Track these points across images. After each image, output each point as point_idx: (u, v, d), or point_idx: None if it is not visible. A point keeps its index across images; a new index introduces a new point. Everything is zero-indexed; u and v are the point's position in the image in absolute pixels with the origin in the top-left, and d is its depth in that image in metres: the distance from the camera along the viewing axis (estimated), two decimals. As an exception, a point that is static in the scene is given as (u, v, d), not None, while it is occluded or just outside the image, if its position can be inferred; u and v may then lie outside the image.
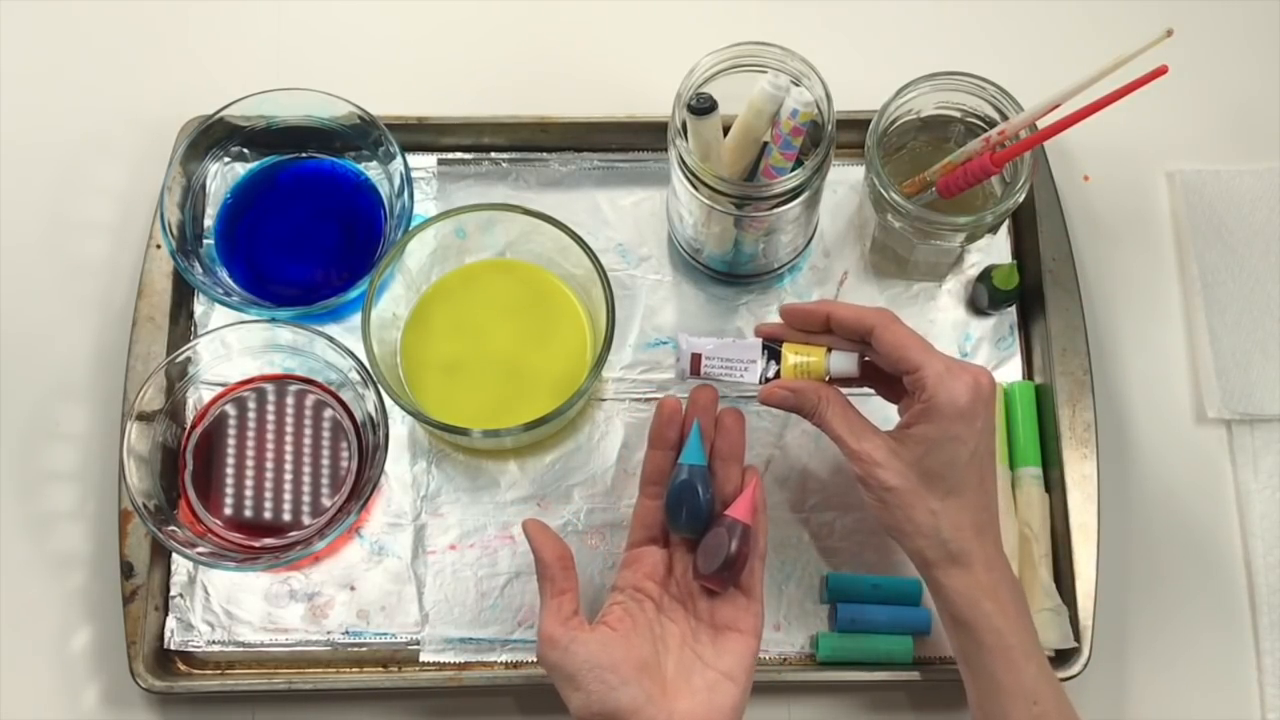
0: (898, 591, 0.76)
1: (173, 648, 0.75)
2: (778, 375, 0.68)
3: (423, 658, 0.75)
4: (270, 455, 0.76)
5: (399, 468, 0.78)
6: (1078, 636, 0.74)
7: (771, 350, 0.69)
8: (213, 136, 0.79)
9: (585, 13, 0.88)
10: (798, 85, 0.70)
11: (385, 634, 0.75)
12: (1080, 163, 0.85)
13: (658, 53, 0.83)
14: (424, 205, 0.82)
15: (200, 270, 0.76)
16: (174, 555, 0.75)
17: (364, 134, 0.79)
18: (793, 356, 0.68)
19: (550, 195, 0.82)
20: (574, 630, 0.65)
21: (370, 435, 0.74)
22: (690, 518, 0.68)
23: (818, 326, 0.68)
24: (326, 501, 0.76)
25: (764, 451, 0.78)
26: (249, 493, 0.76)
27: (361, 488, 0.74)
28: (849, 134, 0.77)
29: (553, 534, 0.68)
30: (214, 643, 0.75)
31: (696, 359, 0.69)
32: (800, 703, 0.76)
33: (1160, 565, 0.78)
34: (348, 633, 0.75)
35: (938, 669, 0.74)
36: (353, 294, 0.75)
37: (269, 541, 0.75)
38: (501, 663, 0.75)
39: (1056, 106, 0.70)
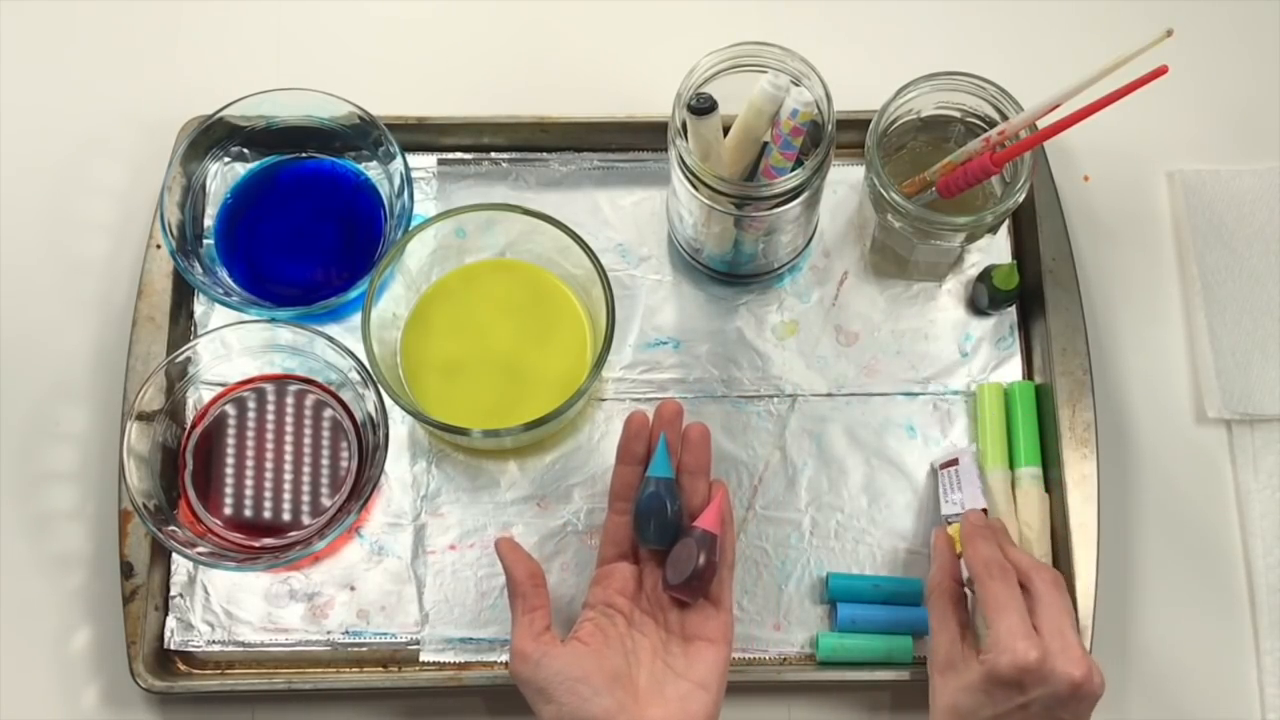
0: (898, 591, 0.76)
1: (173, 648, 0.75)
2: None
3: (423, 658, 0.75)
4: (270, 455, 0.76)
5: (399, 468, 0.78)
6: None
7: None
8: (213, 136, 0.79)
9: (585, 13, 0.88)
10: (798, 85, 0.70)
11: (385, 634, 0.75)
12: (1080, 163, 0.85)
13: (658, 53, 0.83)
14: (424, 205, 0.82)
15: (200, 270, 0.76)
16: (174, 555, 0.75)
17: (364, 134, 0.79)
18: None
19: (550, 195, 0.82)
20: (545, 645, 0.66)
21: (370, 435, 0.74)
22: (658, 530, 0.69)
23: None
24: (326, 501, 0.75)
25: (764, 452, 0.78)
26: (249, 493, 0.76)
27: (361, 488, 0.74)
28: (849, 134, 0.77)
29: (524, 553, 0.70)
30: (214, 643, 0.75)
31: (954, 460, 0.75)
32: (800, 703, 0.76)
33: (1160, 565, 0.78)
34: (348, 633, 0.75)
35: (938, 669, 0.74)
36: (353, 294, 0.75)
37: (269, 541, 0.75)
38: (501, 663, 0.75)
39: (1056, 106, 0.70)
